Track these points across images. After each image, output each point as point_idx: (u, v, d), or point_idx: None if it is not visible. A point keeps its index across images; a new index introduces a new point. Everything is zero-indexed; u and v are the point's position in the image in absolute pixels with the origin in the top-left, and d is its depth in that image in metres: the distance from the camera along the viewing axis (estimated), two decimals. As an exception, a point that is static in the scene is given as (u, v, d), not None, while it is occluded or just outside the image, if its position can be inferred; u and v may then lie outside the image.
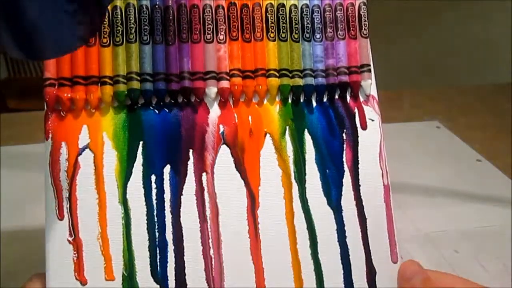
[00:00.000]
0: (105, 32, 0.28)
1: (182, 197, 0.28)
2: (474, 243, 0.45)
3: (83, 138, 0.28)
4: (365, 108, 0.30)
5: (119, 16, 0.28)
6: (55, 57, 0.25)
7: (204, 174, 0.28)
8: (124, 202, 0.27)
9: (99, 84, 0.28)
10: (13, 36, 0.19)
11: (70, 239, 0.27)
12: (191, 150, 0.28)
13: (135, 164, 0.28)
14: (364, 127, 0.30)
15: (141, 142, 0.28)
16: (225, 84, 0.29)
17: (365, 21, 0.30)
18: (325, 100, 0.30)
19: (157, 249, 0.27)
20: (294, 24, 0.30)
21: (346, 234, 0.28)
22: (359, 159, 0.29)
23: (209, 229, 0.28)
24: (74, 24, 0.20)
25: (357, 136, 0.30)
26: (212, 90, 0.28)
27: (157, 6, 0.28)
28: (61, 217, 0.27)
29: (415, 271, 0.28)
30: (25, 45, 0.19)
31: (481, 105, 0.77)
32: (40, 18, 0.19)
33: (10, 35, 0.19)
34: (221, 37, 0.29)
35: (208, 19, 0.29)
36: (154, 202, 0.27)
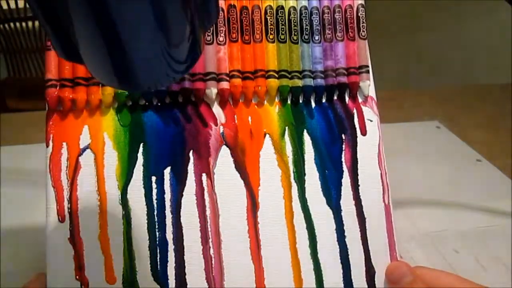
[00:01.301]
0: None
1: (182, 197, 0.28)
2: (474, 243, 0.45)
3: (84, 139, 0.28)
4: (364, 108, 0.30)
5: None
6: (149, 89, 0.25)
7: (204, 174, 0.28)
8: (124, 202, 0.27)
9: (100, 85, 0.28)
10: (116, 72, 0.19)
11: (71, 239, 0.27)
12: (191, 151, 0.28)
13: (135, 165, 0.28)
14: (363, 132, 0.30)
15: (141, 143, 0.28)
16: (225, 85, 0.29)
17: (363, 23, 0.30)
18: (324, 101, 0.30)
19: (157, 248, 0.27)
20: (293, 26, 0.30)
21: (346, 234, 0.28)
22: (358, 159, 0.29)
23: (209, 229, 0.28)
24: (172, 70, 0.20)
25: (356, 137, 0.30)
26: (212, 91, 0.29)
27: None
28: (62, 220, 0.27)
29: (403, 273, 0.28)
30: (124, 80, 0.19)
31: (481, 105, 0.77)
32: (143, 60, 0.19)
33: (112, 70, 0.19)
34: (221, 38, 0.29)
35: (208, 20, 0.29)
36: (155, 202, 0.27)
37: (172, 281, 0.27)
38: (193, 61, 0.21)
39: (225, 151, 0.29)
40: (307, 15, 0.30)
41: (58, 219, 0.27)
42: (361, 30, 0.30)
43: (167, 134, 0.28)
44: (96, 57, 0.18)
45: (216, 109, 0.29)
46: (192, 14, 0.19)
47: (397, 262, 0.28)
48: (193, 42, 0.20)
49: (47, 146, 0.27)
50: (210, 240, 0.27)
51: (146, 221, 0.27)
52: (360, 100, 0.30)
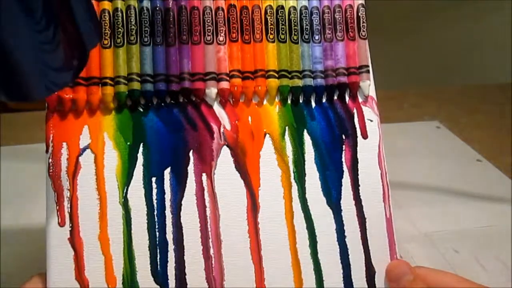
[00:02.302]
0: (106, 34, 0.28)
1: (182, 197, 0.28)
2: (474, 243, 0.45)
3: (84, 139, 0.28)
4: (364, 108, 0.30)
5: (120, 18, 0.28)
6: (37, 99, 0.26)
7: (204, 174, 0.28)
8: (124, 202, 0.27)
9: (100, 85, 0.28)
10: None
11: (71, 239, 0.27)
12: (191, 151, 0.28)
13: (135, 165, 0.28)
14: (364, 134, 0.30)
15: (142, 143, 0.28)
16: (225, 85, 0.29)
17: (363, 22, 0.30)
18: (324, 100, 0.30)
19: (158, 248, 0.27)
20: (293, 25, 0.30)
21: (346, 234, 0.28)
22: (358, 159, 0.29)
23: (209, 229, 0.28)
24: (51, 63, 0.21)
25: (356, 137, 0.30)
26: (212, 90, 0.29)
27: (157, 8, 0.28)
28: (61, 220, 0.27)
29: (403, 272, 0.28)
30: (7, 87, 0.20)
31: (481, 105, 0.77)
32: (24, 60, 0.19)
33: None
34: (221, 38, 0.29)
35: (208, 21, 0.29)
36: (155, 202, 0.28)
37: (172, 281, 0.27)
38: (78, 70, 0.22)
39: (225, 151, 0.29)
40: (307, 15, 0.30)
41: (58, 219, 0.27)
42: (361, 30, 0.30)
43: (167, 134, 0.28)
44: None
45: (216, 109, 0.29)
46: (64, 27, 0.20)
47: (398, 261, 0.28)
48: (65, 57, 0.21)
49: (47, 146, 0.27)
50: (210, 240, 0.27)
51: (146, 221, 0.27)
52: (360, 100, 0.30)
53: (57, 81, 0.22)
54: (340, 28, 0.30)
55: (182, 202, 0.28)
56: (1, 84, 0.20)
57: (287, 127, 0.29)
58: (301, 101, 0.30)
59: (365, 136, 0.30)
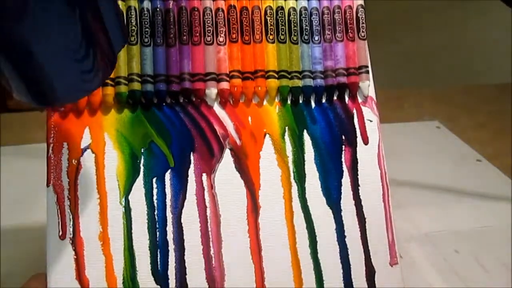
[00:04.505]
0: (105, 34, 0.28)
1: (182, 197, 0.28)
2: (474, 243, 0.45)
3: (85, 139, 0.28)
4: (364, 109, 0.30)
5: (119, 18, 0.28)
6: (63, 104, 0.26)
7: (204, 174, 0.28)
8: (125, 202, 0.27)
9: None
10: (23, 81, 0.20)
11: (71, 239, 0.27)
12: (191, 151, 0.28)
13: (136, 165, 0.28)
14: (364, 135, 0.30)
15: (142, 143, 0.28)
16: (225, 85, 0.29)
17: (363, 23, 0.30)
18: (324, 101, 0.30)
19: (158, 248, 0.27)
20: (293, 26, 0.30)
21: (346, 234, 0.29)
22: (358, 159, 0.29)
23: (210, 229, 0.28)
24: (84, 73, 0.21)
25: (356, 137, 0.30)
26: (212, 91, 0.29)
27: (158, 9, 0.28)
28: (62, 224, 0.27)
29: None
30: (34, 91, 0.21)
31: (481, 105, 0.77)
32: (51, 65, 0.20)
33: (19, 80, 0.20)
34: (221, 39, 0.29)
35: (208, 21, 0.29)
36: (155, 202, 0.28)
37: (172, 281, 0.27)
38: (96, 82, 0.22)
39: (225, 152, 0.29)
40: (306, 16, 0.30)
41: (58, 219, 0.27)
42: (361, 31, 0.30)
43: (168, 134, 0.28)
44: (14, 80, 0.20)
45: (216, 109, 0.29)
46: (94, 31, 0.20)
47: None
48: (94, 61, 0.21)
49: (47, 146, 0.27)
50: (211, 240, 0.28)
51: (147, 221, 0.27)
52: (360, 100, 0.30)
53: (86, 87, 0.22)
54: (339, 28, 0.30)
55: (183, 202, 0.28)
56: (32, 89, 0.20)
57: (287, 128, 0.29)
58: (300, 102, 0.30)
59: (365, 139, 0.30)
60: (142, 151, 0.28)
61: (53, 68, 0.20)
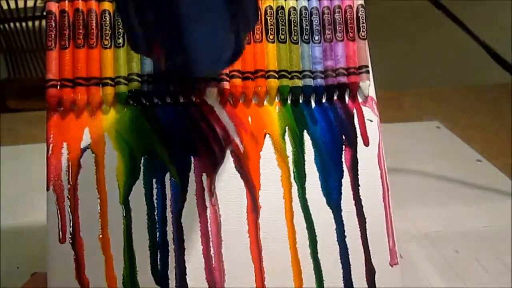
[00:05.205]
0: (106, 34, 0.28)
1: (182, 197, 0.28)
2: (474, 243, 0.45)
3: (85, 139, 0.28)
4: (364, 109, 0.30)
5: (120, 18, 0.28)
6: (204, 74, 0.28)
7: (204, 174, 0.28)
8: (125, 202, 0.27)
9: (100, 85, 0.28)
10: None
11: (71, 238, 0.27)
12: (191, 151, 0.28)
13: (136, 165, 0.28)
14: (364, 135, 0.30)
15: (142, 143, 0.28)
16: (225, 85, 0.29)
17: (363, 23, 0.30)
18: (324, 101, 0.30)
19: (158, 248, 0.27)
20: (293, 26, 0.30)
21: (346, 234, 0.29)
22: (358, 159, 0.29)
23: (210, 229, 0.28)
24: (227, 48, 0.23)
25: (356, 137, 0.30)
26: (212, 91, 0.29)
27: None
28: (62, 224, 0.27)
29: None
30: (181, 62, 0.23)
31: (481, 105, 0.77)
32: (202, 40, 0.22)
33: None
34: (221, 38, 0.29)
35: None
36: (155, 202, 0.28)
37: (172, 281, 0.27)
38: (236, 54, 0.24)
39: (225, 152, 0.29)
40: (307, 16, 0.30)
41: (58, 219, 0.27)
42: (361, 30, 0.30)
43: (168, 134, 0.28)
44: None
45: (217, 109, 0.29)
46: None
47: None
48: (237, 35, 0.23)
49: (47, 146, 0.27)
50: (211, 240, 0.28)
51: (147, 221, 0.27)
52: (360, 100, 0.30)
53: (222, 59, 0.23)
54: (339, 28, 0.30)
55: (183, 202, 0.28)
56: (178, 59, 0.22)
57: (287, 128, 0.29)
58: (301, 101, 0.30)
59: (365, 139, 0.30)
60: (142, 151, 0.28)
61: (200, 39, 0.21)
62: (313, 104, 0.30)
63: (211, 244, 0.27)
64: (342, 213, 0.29)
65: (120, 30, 0.28)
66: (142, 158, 0.28)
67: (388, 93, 0.76)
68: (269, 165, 0.29)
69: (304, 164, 0.29)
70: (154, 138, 0.28)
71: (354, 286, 0.28)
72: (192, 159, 0.28)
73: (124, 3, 0.22)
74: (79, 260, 0.27)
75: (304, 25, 0.30)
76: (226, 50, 0.23)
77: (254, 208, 0.28)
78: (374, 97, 0.31)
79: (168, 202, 0.28)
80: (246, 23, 0.24)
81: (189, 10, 0.20)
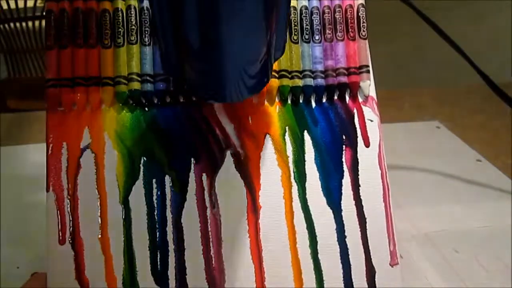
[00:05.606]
0: (106, 34, 0.28)
1: (182, 197, 0.28)
2: (474, 243, 0.45)
3: (85, 139, 0.28)
4: (364, 108, 0.30)
5: (120, 18, 0.28)
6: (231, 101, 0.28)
7: (204, 174, 0.28)
8: (124, 202, 0.27)
9: (100, 85, 0.28)
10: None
11: (71, 239, 0.27)
12: (191, 151, 0.28)
13: (136, 165, 0.28)
14: (364, 135, 0.30)
15: (142, 142, 0.28)
16: (225, 85, 0.29)
17: (363, 22, 0.30)
18: (324, 101, 0.30)
19: (158, 249, 0.27)
20: (293, 25, 0.30)
21: (346, 234, 0.28)
22: (358, 159, 0.29)
23: (209, 229, 0.28)
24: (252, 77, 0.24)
25: (357, 137, 0.30)
26: (212, 91, 0.28)
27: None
28: (62, 224, 0.27)
29: None
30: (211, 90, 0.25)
31: (481, 105, 0.77)
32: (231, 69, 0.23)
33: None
34: (221, 38, 0.29)
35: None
36: (155, 202, 0.28)
37: (172, 281, 0.27)
38: (261, 84, 0.25)
39: (225, 152, 0.29)
40: (307, 15, 0.30)
41: (58, 219, 0.27)
42: (362, 30, 0.30)
43: (168, 133, 0.28)
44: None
45: (217, 109, 0.29)
46: (270, 36, 0.22)
47: None
48: (265, 64, 0.23)
49: (47, 146, 0.27)
50: (210, 240, 0.27)
51: (146, 221, 0.27)
52: (360, 100, 0.30)
53: (250, 85, 0.25)
54: (340, 28, 0.30)
55: (182, 202, 0.28)
56: (206, 87, 0.24)
57: (287, 127, 0.29)
58: (301, 101, 0.30)
59: (366, 139, 0.30)
60: (142, 151, 0.28)
61: (228, 68, 0.22)
62: (314, 104, 0.30)
63: (211, 245, 0.27)
64: (342, 213, 0.29)
65: (120, 29, 0.28)
66: (142, 159, 0.28)
67: (388, 93, 0.76)
68: (269, 165, 0.29)
69: (304, 164, 0.29)
70: (154, 138, 0.28)
71: (354, 286, 0.28)
72: (192, 159, 0.28)
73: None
74: (79, 260, 0.26)
75: (304, 25, 0.30)
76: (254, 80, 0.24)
77: (254, 208, 0.28)
78: (375, 97, 0.30)
79: (168, 202, 0.28)
80: (274, 57, 0.24)
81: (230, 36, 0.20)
